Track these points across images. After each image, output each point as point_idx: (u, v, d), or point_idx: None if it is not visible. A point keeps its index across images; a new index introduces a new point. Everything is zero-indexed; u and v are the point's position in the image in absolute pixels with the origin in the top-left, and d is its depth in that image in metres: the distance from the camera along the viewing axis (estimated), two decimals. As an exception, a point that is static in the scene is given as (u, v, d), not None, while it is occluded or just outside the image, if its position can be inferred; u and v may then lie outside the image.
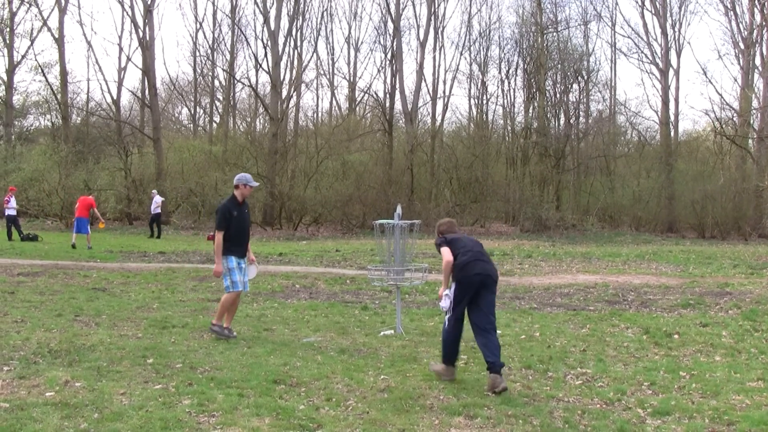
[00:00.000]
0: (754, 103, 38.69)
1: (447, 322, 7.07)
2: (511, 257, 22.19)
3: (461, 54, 53.43)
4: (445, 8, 74.60)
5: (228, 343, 8.57)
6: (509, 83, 47.08)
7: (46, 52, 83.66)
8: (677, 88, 42.74)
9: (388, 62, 43.54)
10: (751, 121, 39.13)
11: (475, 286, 6.89)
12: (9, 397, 6.04)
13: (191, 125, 51.99)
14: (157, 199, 29.10)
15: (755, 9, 39.65)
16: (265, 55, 42.07)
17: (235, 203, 9.04)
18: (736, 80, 44.93)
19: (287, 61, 42.85)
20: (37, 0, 41.50)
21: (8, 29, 39.48)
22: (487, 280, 6.94)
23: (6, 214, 24.99)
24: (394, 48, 42.00)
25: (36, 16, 44.78)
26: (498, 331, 9.69)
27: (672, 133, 43.46)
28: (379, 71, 54.58)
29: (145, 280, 14.41)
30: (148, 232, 30.00)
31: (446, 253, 7.04)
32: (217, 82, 48.50)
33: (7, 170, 34.18)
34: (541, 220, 37.01)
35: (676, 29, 42.96)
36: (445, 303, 7.04)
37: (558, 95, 43.58)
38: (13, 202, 25.06)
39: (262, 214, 38.36)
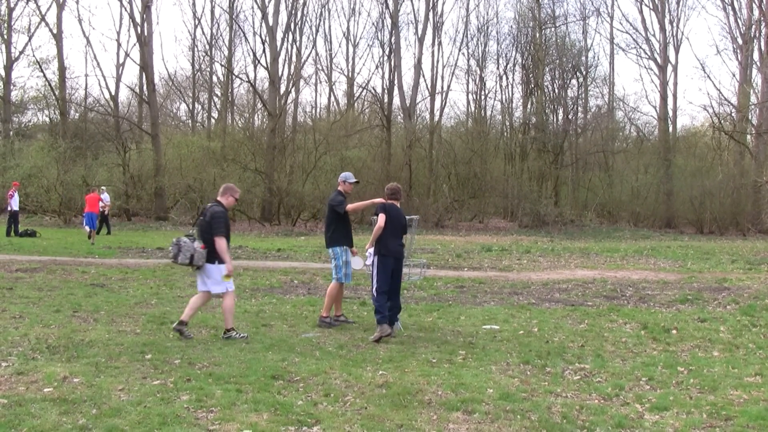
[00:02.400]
0: (753, 99, 38.70)
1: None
2: (510, 253, 22.21)
3: (459, 50, 53.49)
4: (443, 4, 74.50)
5: (225, 339, 8.56)
6: (507, 79, 47.14)
7: (44, 48, 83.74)
8: (675, 84, 42.81)
9: (386, 58, 43.55)
10: (750, 117, 39.16)
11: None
12: (7, 393, 6.03)
13: (189, 121, 51.90)
14: (106, 198, 28.57)
15: (753, 4, 39.68)
16: (264, 50, 42.03)
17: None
18: (734, 76, 45.01)
19: (285, 57, 42.85)
20: (34, -5, 41.31)
21: (6, 25, 39.33)
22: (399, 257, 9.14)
23: (10, 209, 25.00)
24: (393, 44, 41.97)
25: (34, 11, 44.48)
26: (497, 326, 9.71)
27: (670, 129, 43.51)
28: (377, 67, 54.49)
29: (144, 276, 14.41)
30: (139, 228, 29.92)
31: (380, 220, 9.00)
32: (215, 78, 48.48)
33: (5, 167, 34.10)
34: (540, 216, 37.05)
35: (675, 25, 43.03)
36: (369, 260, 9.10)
37: (556, 91, 43.61)
38: (16, 197, 25.08)
39: (261, 209, 38.34)
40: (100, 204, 26.89)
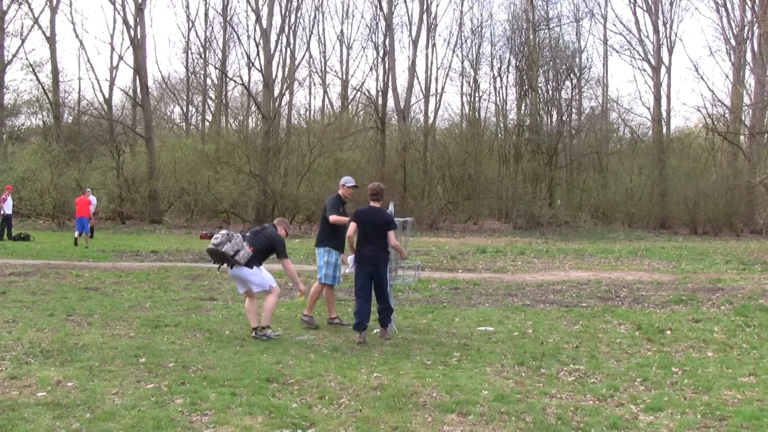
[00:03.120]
0: (746, 100, 38.78)
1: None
2: (504, 254, 22.22)
3: (453, 52, 53.37)
4: (437, 6, 74.60)
5: (221, 342, 8.56)
6: (501, 80, 47.16)
7: (37, 51, 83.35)
8: (669, 85, 42.98)
9: (380, 60, 43.54)
10: (743, 118, 39.25)
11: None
12: (0, 398, 6.01)
13: (183, 124, 51.90)
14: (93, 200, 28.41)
15: (746, 6, 39.75)
16: (257, 53, 42.07)
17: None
18: (727, 77, 45.02)
19: (279, 60, 42.79)
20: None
21: (-2, 28, 39.24)
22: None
23: (3, 213, 24.91)
24: (387, 46, 41.97)
25: (27, 14, 44.48)
26: (491, 328, 9.71)
27: (664, 130, 43.56)
28: (371, 69, 54.69)
29: (138, 279, 14.37)
30: (133, 231, 29.84)
31: (350, 228, 9.06)
32: (209, 81, 48.47)
33: (-2, 170, 34.05)
34: (534, 217, 37.08)
35: (668, 26, 43.05)
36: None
37: (550, 92, 43.59)
38: (9, 201, 25.00)
39: (255, 212, 38.29)
40: (91, 208, 26.80)
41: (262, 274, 9.01)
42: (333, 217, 9.73)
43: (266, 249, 9.05)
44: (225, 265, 8.85)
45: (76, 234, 23.33)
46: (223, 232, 8.88)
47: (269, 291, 9.06)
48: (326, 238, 9.90)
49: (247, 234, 9.10)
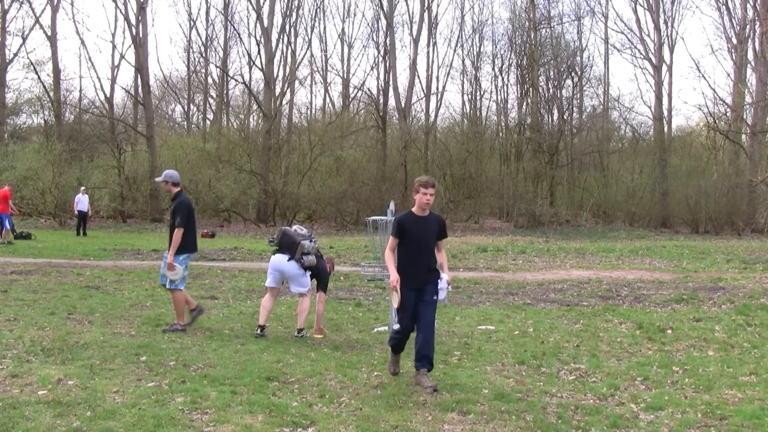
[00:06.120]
0: (747, 98, 38.77)
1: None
2: (505, 253, 22.21)
3: (454, 50, 53.62)
4: (438, 5, 74.55)
5: (221, 340, 8.56)
6: (502, 79, 47.14)
7: (39, 50, 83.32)
8: (670, 84, 42.77)
9: (381, 59, 43.56)
10: (744, 116, 39.22)
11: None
12: (1, 396, 6.01)
13: (185, 123, 51.91)
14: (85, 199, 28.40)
15: (747, 4, 39.75)
16: (259, 52, 42.08)
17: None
18: (729, 75, 45.03)
19: (280, 58, 42.84)
20: (29, -3, 41.24)
21: (0, 27, 39.26)
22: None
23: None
24: (387, 44, 41.99)
25: (28, 13, 44.65)
26: (492, 326, 9.71)
27: (665, 129, 43.54)
28: (372, 68, 54.65)
29: (139, 278, 14.38)
30: (134, 230, 29.84)
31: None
32: (210, 80, 48.48)
33: (0, 168, 34.05)
34: (535, 216, 37.08)
35: (669, 24, 43.07)
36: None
37: (551, 91, 43.60)
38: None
39: (256, 211, 38.33)
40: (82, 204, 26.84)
41: (307, 278, 9.15)
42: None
43: (314, 273, 9.20)
44: (278, 254, 9.02)
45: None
46: (305, 230, 9.15)
47: (305, 294, 9.17)
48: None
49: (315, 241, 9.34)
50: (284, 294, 12.77)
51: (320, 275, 9.21)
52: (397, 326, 6.93)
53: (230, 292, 12.93)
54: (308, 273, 9.11)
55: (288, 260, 8.93)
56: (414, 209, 6.92)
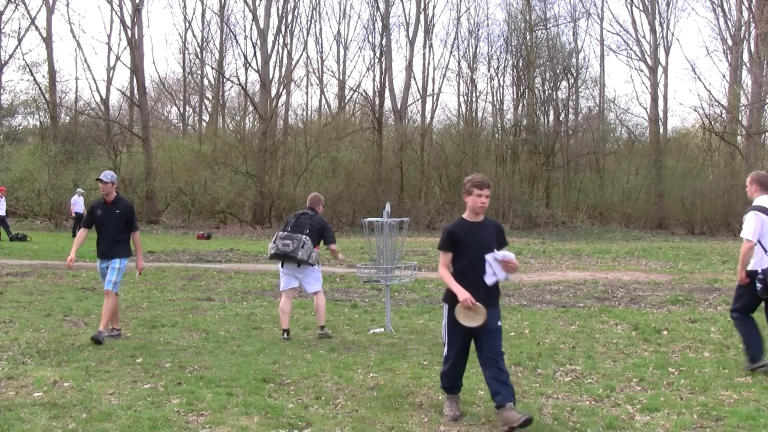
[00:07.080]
0: (743, 100, 38.84)
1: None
2: (501, 254, 22.19)
3: (450, 52, 53.30)
4: (434, 6, 74.57)
5: (217, 342, 8.56)
6: (498, 81, 47.06)
7: (34, 51, 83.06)
8: (666, 85, 42.96)
9: (377, 60, 43.50)
10: (740, 118, 39.29)
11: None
12: (-4, 398, 6.01)
13: (180, 124, 51.81)
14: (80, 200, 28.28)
15: (743, 6, 39.84)
16: (255, 53, 42.01)
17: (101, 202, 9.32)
18: (724, 77, 45.04)
19: (276, 60, 42.78)
20: (24, -2, 41.15)
21: (-5, 28, 39.16)
22: None
23: None
24: (384, 46, 41.99)
25: (23, 14, 44.52)
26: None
27: (661, 130, 43.62)
28: (368, 69, 54.61)
29: (134, 280, 14.34)
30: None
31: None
32: (206, 81, 48.42)
33: (-4, 170, 34.03)
34: (531, 218, 37.10)
35: (665, 26, 43.14)
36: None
37: (547, 92, 43.62)
38: (2, 203, 24.93)
39: (252, 212, 38.30)
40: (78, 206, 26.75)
41: (320, 272, 9.33)
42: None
43: (318, 237, 9.12)
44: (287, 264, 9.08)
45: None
46: (298, 237, 8.85)
47: (319, 291, 9.26)
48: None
49: (292, 222, 9.14)
50: (280, 296, 12.77)
51: (324, 231, 9.13)
52: (446, 352, 5.94)
53: (226, 293, 12.92)
54: (319, 266, 9.23)
55: (299, 266, 9.02)
56: (465, 215, 5.88)
